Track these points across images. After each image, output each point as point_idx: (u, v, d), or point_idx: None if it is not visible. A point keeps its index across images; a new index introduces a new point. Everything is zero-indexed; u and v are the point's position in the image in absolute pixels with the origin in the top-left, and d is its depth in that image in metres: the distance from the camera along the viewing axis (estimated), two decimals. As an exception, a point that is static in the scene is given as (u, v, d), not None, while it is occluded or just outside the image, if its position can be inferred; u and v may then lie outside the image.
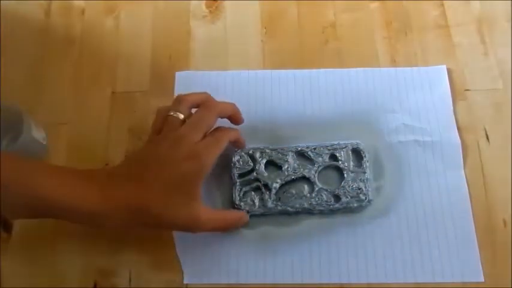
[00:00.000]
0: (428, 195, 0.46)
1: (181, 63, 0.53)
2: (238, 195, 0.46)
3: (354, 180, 0.46)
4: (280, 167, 0.46)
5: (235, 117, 0.46)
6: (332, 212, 0.45)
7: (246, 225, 0.45)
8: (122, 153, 0.49)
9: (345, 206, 0.45)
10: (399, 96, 0.50)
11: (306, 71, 0.52)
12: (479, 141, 0.48)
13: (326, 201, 0.45)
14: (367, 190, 0.45)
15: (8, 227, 0.46)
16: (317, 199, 0.45)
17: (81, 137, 0.50)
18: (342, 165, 0.46)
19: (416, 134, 0.48)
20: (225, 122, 0.45)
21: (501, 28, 0.53)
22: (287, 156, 0.46)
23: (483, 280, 0.43)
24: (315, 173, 0.46)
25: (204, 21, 0.55)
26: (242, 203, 0.45)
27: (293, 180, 0.46)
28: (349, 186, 0.45)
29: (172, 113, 0.42)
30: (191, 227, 0.41)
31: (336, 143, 0.47)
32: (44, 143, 0.48)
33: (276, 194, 0.46)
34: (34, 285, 0.44)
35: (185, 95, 0.44)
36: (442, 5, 0.55)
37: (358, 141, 0.47)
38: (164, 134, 0.42)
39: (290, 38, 0.54)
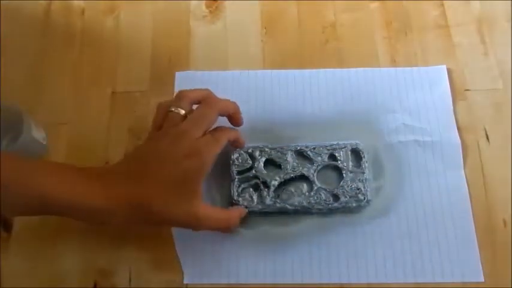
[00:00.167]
0: (428, 195, 0.46)
1: (181, 63, 0.53)
2: (237, 191, 0.46)
3: (352, 180, 0.46)
4: (279, 166, 0.47)
5: (235, 117, 0.45)
6: (331, 211, 0.45)
7: (243, 221, 0.45)
8: (122, 153, 0.49)
9: (343, 206, 0.45)
10: (399, 96, 0.50)
11: (306, 71, 0.52)
12: (479, 141, 0.48)
13: (325, 200, 0.45)
14: (366, 190, 0.45)
15: (8, 227, 0.46)
16: (316, 198, 0.45)
17: (81, 137, 0.50)
18: (341, 165, 0.46)
19: (416, 134, 0.48)
20: (224, 122, 0.45)
21: (501, 28, 0.53)
22: (286, 155, 0.46)
23: (483, 280, 0.43)
24: (314, 172, 0.46)
25: (204, 21, 0.55)
26: (240, 199, 0.45)
27: (292, 179, 0.46)
28: (348, 186, 0.45)
29: (173, 109, 0.42)
30: (192, 224, 0.41)
31: (335, 143, 0.47)
32: (44, 143, 0.48)
33: (274, 191, 0.46)
34: (34, 285, 0.44)
35: (186, 91, 0.44)
36: (442, 5, 0.55)
37: (357, 142, 0.47)
38: (165, 130, 0.42)
39: (290, 38, 0.54)
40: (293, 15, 0.55)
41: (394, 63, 0.52)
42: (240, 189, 0.46)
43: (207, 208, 0.41)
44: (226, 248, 0.45)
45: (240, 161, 0.47)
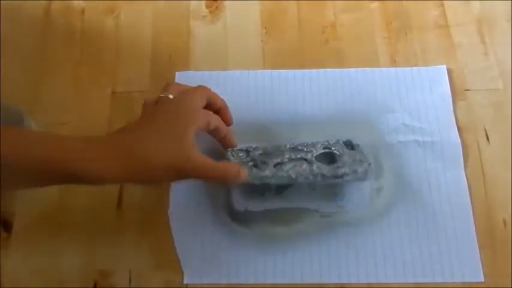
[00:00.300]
0: (429, 195, 0.46)
1: (181, 63, 0.53)
2: (231, 154, 0.45)
3: (350, 156, 0.44)
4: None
5: (223, 112, 0.45)
6: (336, 178, 0.43)
7: (243, 218, 0.45)
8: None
9: (351, 172, 0.43)
10: (399, 96, 0.50)
11: (306, 71, 0.52)
12: (479, 141, 0.48)
13: (327, 168, 0.43)
14: (366, 158, 0.44)
15: (8, 226, 0.46)
16: (316, 167, 0.43)
17: (81, 137, 0.50)
18: (335, 151, 0.45)
19: (416, 134, 0.48)
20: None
21: (501, 28, 0.53)
22: (283, 150, 0.45)
23: (483, 280, 0.43)
24: (312, 157, 0.45)
25: (204, 21, 0.55)
26: (233, 157, 0.44)
27: (291, 160, 0.44)
28: (347, 161, 0.44)
29: (162, 95, 0.43)
30: (182, 167, 0.40)
31: (327, 140, 0.46)
32: (44, 143, 0.48)
33: (274, 166, 0.44)
34: (34, 284, 0.45)
35: (175, 82, 0.44)
36: (442, 5, 0.55)
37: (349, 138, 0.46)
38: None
39: (290, 38, 0.54)
40: (293, 15, 0.55)
41: (394, 63, 0.52)
42: (236, 160, 0.44)
43: (202, 156, 0.41)
44: (226, 248, 0.45)
45: (234, 155, 0.45)
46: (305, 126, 0.49)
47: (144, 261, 0.45)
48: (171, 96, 0.42)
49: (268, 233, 0.45)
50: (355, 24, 0.55)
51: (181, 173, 0.40)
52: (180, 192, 0.47)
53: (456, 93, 0.50)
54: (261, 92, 0.51)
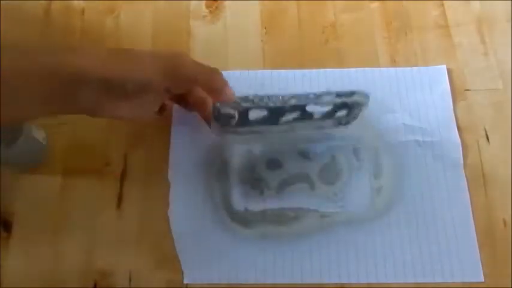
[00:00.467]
0: (428, 195, 0.46)
1: (181, 63, 0.53)
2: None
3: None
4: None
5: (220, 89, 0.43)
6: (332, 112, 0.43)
7: (244, 219, 0.45)
8: (122, 153, 0.49)
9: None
10: (399, 96, 0.50)
11: (306, 71, 0.52)
12: (479, 141, 0.48)
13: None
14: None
15: (8, 226, 0.46)
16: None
17: (81, 137, 0.50)
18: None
19: (416, 134, 0.48)
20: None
21: (501, 28, 0.53)
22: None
23: (483, 280, 0.43)
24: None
25: (204, 21, 0.55)
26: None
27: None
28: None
29: None
30: (171, 62, 0.40)
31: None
32: (44, 143, 0.48)
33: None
34: (34, 285, 0.44)
35: None
36: (442, 5, 0.55)
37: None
38: None
39: (290, 38, 0.54)
40: (293, 15, 0.55)
41: (394, 63, 0.52)
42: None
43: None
44: (226, 248, 0.45)
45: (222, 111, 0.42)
46: (305, 125, 0.49)
47: (144, 261, 0.45)
48: None
49: (268, 233, 0.45)
50: (355, 24, 0.55)
51: (169, 70, 0.40)
52: (180, 192, 0.47)
53: (456, 93, 0.50)
54: (261, 92, 0.51)
